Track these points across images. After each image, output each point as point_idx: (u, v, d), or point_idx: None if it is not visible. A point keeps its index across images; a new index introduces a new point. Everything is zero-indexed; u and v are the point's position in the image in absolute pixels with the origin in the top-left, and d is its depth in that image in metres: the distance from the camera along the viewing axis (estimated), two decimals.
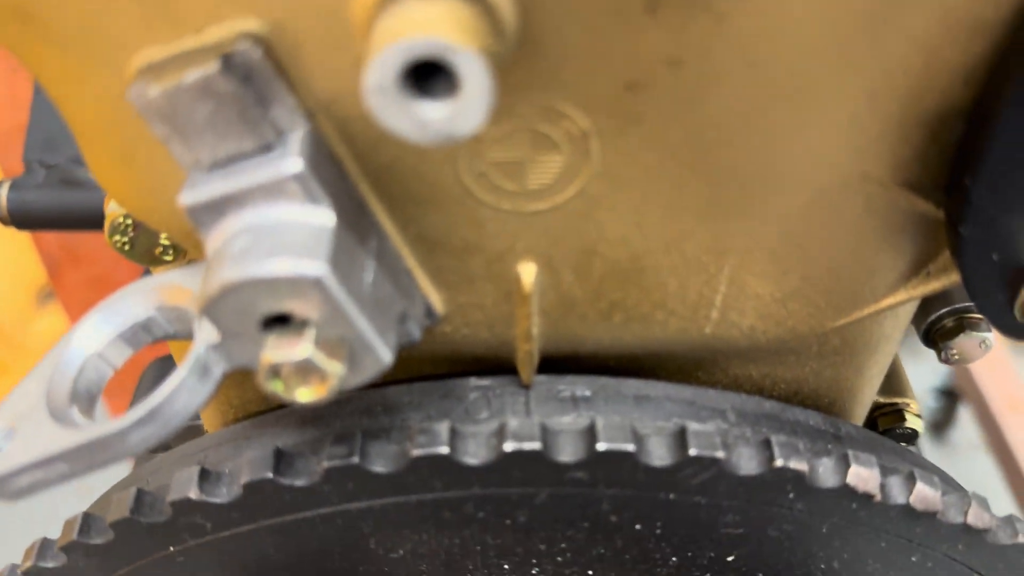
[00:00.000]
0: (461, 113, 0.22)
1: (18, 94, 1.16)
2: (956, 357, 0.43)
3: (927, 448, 2.68)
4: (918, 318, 0.43)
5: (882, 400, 0.46)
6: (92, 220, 0.78)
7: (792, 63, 0.26)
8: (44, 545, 0.38)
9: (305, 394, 0.27)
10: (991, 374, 2.16)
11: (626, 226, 0.31)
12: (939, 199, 0.31)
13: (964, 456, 2.59)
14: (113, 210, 0.36)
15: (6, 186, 0.78)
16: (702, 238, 0.32)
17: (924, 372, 2.72)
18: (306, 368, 0.27)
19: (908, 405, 0.47)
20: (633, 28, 0.25)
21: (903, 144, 0.29)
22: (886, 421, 0.46)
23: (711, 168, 0.29)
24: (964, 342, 0.42)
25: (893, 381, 0.47)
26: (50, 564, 0.37)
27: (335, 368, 0.27)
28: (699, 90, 0.27)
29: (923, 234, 0.33)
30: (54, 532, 0.38)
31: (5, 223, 0.79)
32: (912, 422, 0.47)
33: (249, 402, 0.40)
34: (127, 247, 0.35)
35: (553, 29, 0.25)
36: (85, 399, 0.30)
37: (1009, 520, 0.38)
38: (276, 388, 0.27)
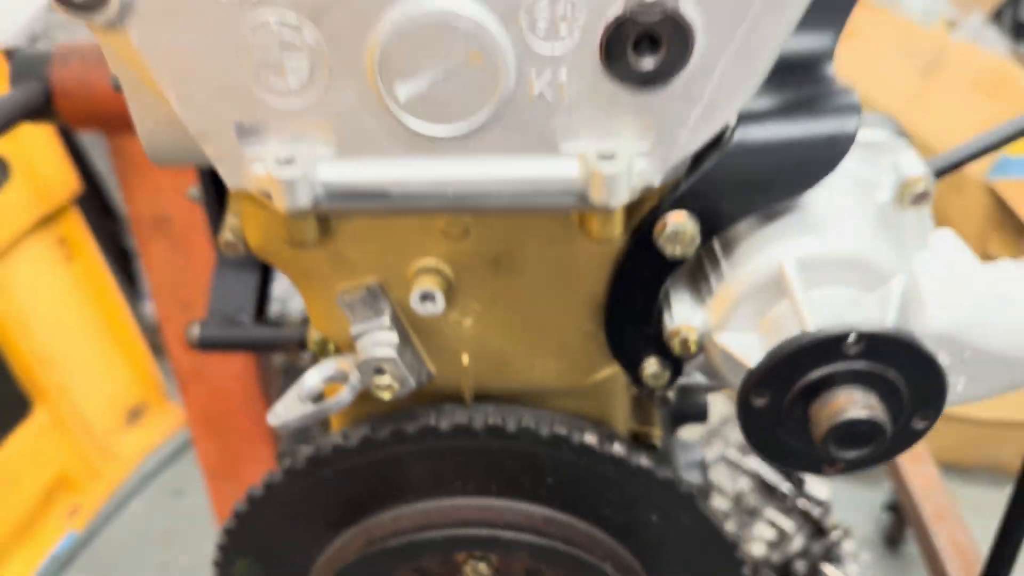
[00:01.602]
0: (434, 304, 0.80)
1: (175, 281, 1.75)
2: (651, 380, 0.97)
3: (882, 561, 2.99)
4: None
5: (636, 427, 1.01)
6: (248, 345, 1.35)
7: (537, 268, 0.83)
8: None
9: (386, 394, 0.83)
10: (922, 489, 2.48)
11: (489, 335, 0.87)
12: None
13: (916, 567, 2.90)
14: (311, 337, 0.92)
15: (197, 325, 1.36)
16: (520, 340, 0.87)
17: (876, 493, 3.08)
18: (388, 386, 0.83)
19: (652, 431, 1.01)
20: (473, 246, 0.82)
21: (591, 309, 0.85)
22: (639, 439, 1.01)
23: (510, 303, 0.85)
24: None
25: (644, 416, 1.02)
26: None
27: (396, 386, 0.83)
28: (503, 273, 0.83)
29: None
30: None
31: (194, 347, 1.36)
32: (654, 441, 1.01)
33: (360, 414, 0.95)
34: (316, 351, 0.92)
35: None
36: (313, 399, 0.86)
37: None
38: (376, 391, 0.83)
